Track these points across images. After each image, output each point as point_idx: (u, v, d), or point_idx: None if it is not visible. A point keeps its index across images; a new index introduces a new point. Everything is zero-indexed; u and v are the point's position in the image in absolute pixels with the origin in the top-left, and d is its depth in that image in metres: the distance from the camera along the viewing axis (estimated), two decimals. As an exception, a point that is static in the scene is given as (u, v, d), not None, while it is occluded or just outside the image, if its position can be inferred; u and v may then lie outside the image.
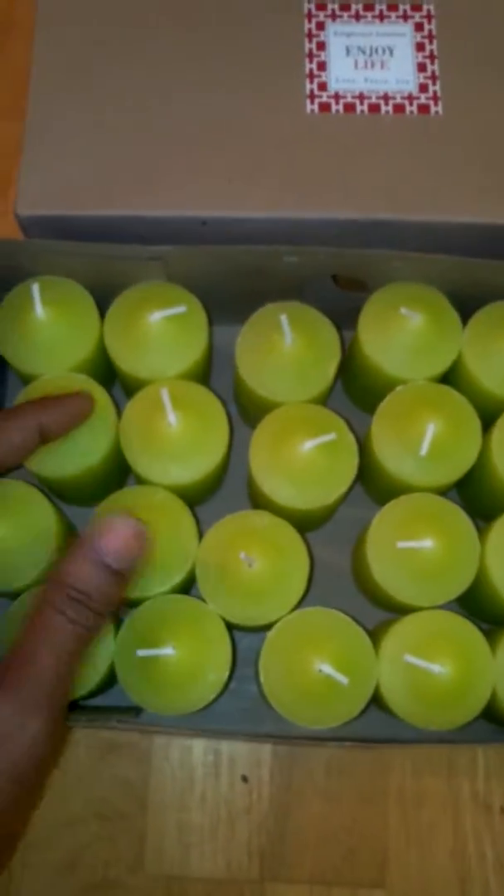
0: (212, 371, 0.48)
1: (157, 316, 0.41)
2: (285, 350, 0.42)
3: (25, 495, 0.39)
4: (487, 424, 0.42)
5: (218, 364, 0.47)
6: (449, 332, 0.43)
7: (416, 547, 0.39)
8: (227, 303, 0.43)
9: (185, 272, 0.42)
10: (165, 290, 0.42)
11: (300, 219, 0.42)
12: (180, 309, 0.41)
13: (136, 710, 0.40)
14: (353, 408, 0.48)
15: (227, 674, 0.38)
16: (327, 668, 0.37)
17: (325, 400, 0.44)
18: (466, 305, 0.44)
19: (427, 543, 0.39)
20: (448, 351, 0.43)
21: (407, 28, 0.45)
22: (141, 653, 0.37)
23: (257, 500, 0.43)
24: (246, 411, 0.46)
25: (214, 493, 0.46)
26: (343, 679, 0.37)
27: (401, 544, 0.39)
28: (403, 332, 0.42)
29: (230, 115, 0.43)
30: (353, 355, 0.45)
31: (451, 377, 0.44)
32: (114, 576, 0.31)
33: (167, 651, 0.37)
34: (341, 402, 0.48)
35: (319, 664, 0.37)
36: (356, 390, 0.47)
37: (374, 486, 0.45)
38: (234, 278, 0.43)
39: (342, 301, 0.45)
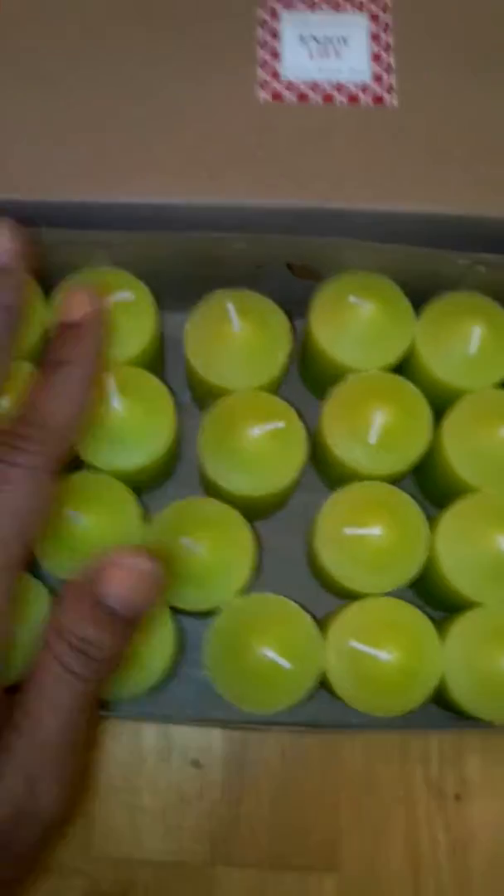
0: (168, 358, 0.48)
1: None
2: (234, 337, 0.42)
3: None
4: (440, 414, 0.42)
5: (175, 351, 0.47)
6: (401, 321, 0.43)
7: (364, 534, 0.39)
8: (182, 290, 0.43)
9: (133, 259, 0.42)
10: (111, 277, 0.42)
11: (250, 206, 0.42)
12: (126, 295, 0.41)
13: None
14: (309, 395, 0.48)
15: (170, 659, 0.38)
16: (270, 653, 0.37)
17: (277, 387, 0.44)
18: (420, 295, 0.44)
19: (375, 531, 0.39)
20: (400, 340, 0.43)
21: (362, 18, 0.45)
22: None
23: (207, 487, 0.43)
24: (199, 398, 0.46)
25: (166, 480, 0.46)
26: (286, 664, 0.37)
27: (348, 531, 0.39)
28: (354, 322, 0.42)
29: (181, 104, 0.43)
30: (306, 344, 0.45)
31: (405, 367, 0.44)
32: (120, 621, 0.26)
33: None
34: (299, 390, 0.48)
35: (263, 649, 0.38)
36: (310, 378, 0.47)
37: (326, 473, 0.45)
38: (185, 265, 0.43)
39: (298, 289, 0.45)
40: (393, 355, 0.42)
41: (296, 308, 0.44)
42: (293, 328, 0.44)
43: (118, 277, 0.42)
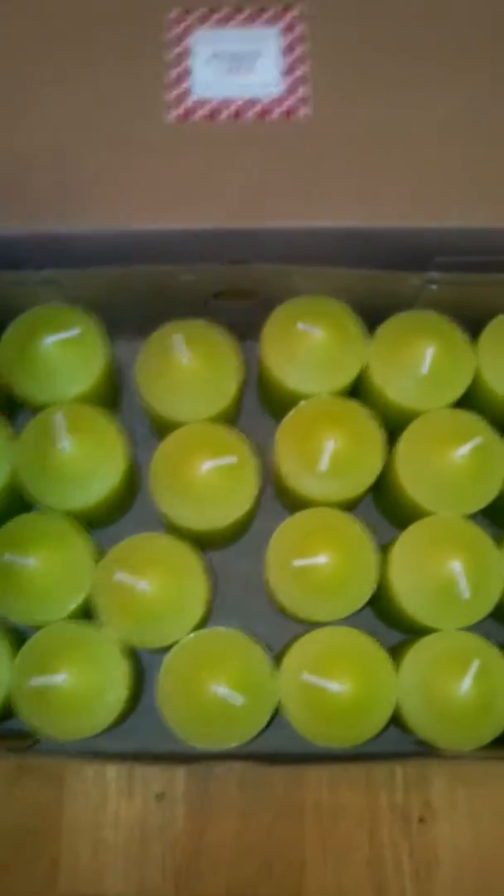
0: (126, 388, 0.47)
1: (49, 340, 0.41)
2: (184, 369, 0.41)
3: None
4: (397, 435, 0.42)
5: (133, 380, 0.47)
6: (352, 344, 0.42)
7: (312, 564, 0.38)
8: (134, 320, 0.43)
9: (83, 294, 0.42)
10: (61, 313, 0.42)
11: (161, 230, 0.40)
12: (72, 332, 0.41)
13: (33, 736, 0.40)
14: (269, 418, 0.47)
15: (123, 697, 0.38)
16: (222, 690, 0.37)
17: (231, 416, 0.44)
18: (378, 314, 0.43)
19: (321, 559, 0.38)
20: (352, 364, 0.42)
21: (274, 32, 0.43)
22: (33, 682, 0.37)
23: (162, 519, 0.42)
24: (155, 429, 0.45)
25: (122, 514, 0.46)
26: (238, 700, 0.37)
27: (296, 563, 0.38)
28: (304, 348, 0.42)
29: (91, 125, 0.41)
30: (261, 369, 0.45)
31: (359, 388, 0.44)
32: None
33: (58, 679, 0.37)
34: (260, 413, 0.48)
35: (215, 686, 0.37)
36: (268, 403, 0.47)
37: (284, 500, 0.44)
38: (134, 297, 0.43)
39: (250, 313, 0.44)
40: (344, 379, 0.42)
41: (252, 332, 0.44)
42: (251, 352, 0.44)
43: (68, 313, 0.42)
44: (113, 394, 0.46)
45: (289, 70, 0.42)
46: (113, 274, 0.41)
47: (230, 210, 0.40)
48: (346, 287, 0.42)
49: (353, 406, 0.41)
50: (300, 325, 0.41)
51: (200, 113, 0.41)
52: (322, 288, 0.42)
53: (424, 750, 0.42)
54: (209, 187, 0.40)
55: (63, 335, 0.40)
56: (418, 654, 0.39)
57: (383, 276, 0.41)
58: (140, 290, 0.42)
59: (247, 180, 0.40)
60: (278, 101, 0.42)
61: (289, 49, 0.43)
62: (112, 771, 0.44)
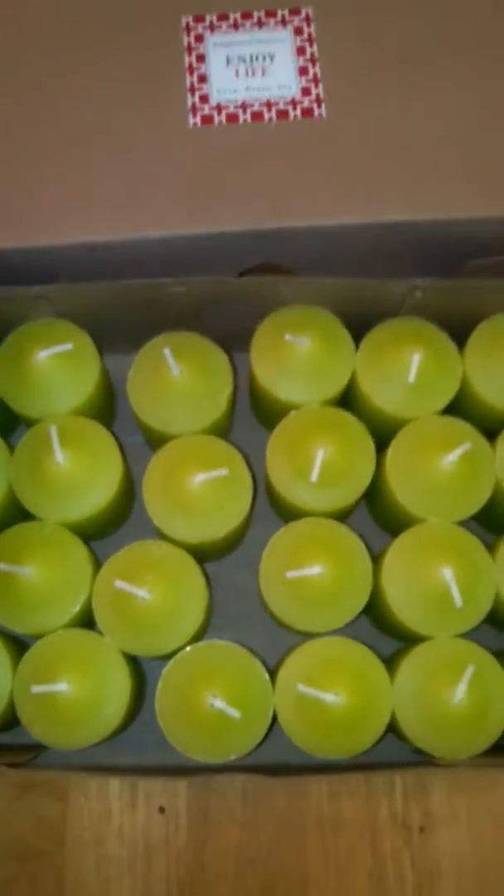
0: (120, 400, 0.47)
1: (42, 355, 0.41)
2: (175, 382, 0.42)
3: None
4: (386, 443, 0.42)
5: (125, 392, 0.47)
6: (340, 353, 0.42)
7: (305, 575, 0.38)
8: (127, 332, 0.43)
9: (74, 309, 0.43)
10: (53, 328, 0.42)
11: (192, 235, 0.41)
12: (66, 347, 0.41)
13: (39, 747, 0.40)
14: (261, 429, 0.48)
15: (124, 706, 0.38)
16: (219, 703, 0.37)
17: (223, 427, 0.44)
18: (365, 322, 0.43)
19: (315, 570, 0.38)
20: (341, 373, 0.42)
21: (286, 33, 0.44)
22: (35, 689, 0.37)
23: (157, 530, 0.43)
24: (149, 440, 0.46)
25: (119, 525, 0.46)
26: (235, 713, 0.37)
27: (289, 574, 0.39)
28: (292, 358, 0.42)
29: (112, 135, 0.42)
30: (251, 380, 0.45)
31: (348, 397, 0.44)
32: None
33: (60, 687, 0.37)
34: (252, 422, 0.48)
35: (212, 699, 0.37)
36: (259, 412, 0.47)
37: (277, 509, 0.45)
38: (126, 310, 0.43)
39: (242, 324, 0.44)
40: (333, 389, 0.42)
41: (242, 343, 0.44)
42: (242, 363, 0.44)
43: (61, 328, 0.42)
44: (107, 406, 0.46)
45: (302, 71, 0.42)
46: (102, 288, 0.41)
47: (256, 212, 0.40)
48: (333, 296, 0.43)
49: (344, 415, 0.42)
50: (288, 337, 0.41)
51: (219, 117, 0.42)
52: (309, 297, 0.43)
53: (422, 759, 0.42)
54: (234, 192, 0.41)
55: (56, 349, 0.41)
56: (413, 662, 0.38)
57: (369, 284, 0.42)
58: (129, 303, 0.42)
59: (269, 183, 0.41)
60: (294, 102, 0.42)
61: (300, 50, 0.43)
62: (115, 785, 0.44)
